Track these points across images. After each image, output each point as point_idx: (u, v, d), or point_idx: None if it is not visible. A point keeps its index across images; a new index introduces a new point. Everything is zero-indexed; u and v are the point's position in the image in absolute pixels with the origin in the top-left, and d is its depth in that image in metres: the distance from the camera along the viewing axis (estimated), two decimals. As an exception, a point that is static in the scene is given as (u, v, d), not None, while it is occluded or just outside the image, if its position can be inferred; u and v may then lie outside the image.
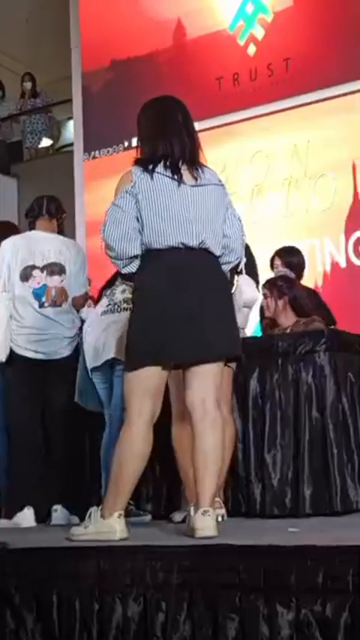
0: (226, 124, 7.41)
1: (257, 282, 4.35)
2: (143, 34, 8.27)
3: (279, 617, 2.20)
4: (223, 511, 3.50)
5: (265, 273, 4.99)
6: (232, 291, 3.76)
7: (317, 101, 7.19)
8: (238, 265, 3.63)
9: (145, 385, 2.95)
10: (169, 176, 2.98)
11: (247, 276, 3.91)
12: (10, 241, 4.22)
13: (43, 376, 4.13)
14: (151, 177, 2.96)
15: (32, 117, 10.25)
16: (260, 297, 4.54)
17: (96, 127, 8.69)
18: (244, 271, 3.78)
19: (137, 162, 3.04)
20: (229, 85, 7.66)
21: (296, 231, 7.12)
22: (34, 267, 4.17)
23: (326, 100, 7.16)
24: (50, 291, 4.16)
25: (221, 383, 3.12)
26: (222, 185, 3.12)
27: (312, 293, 5.07)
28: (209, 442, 2.95)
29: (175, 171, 2.98)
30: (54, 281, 4.17)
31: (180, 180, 2.98)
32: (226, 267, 3.14)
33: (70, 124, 9.85)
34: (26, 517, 3.93)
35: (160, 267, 2.96)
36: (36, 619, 2.52)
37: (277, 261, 5.06)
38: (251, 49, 7.66)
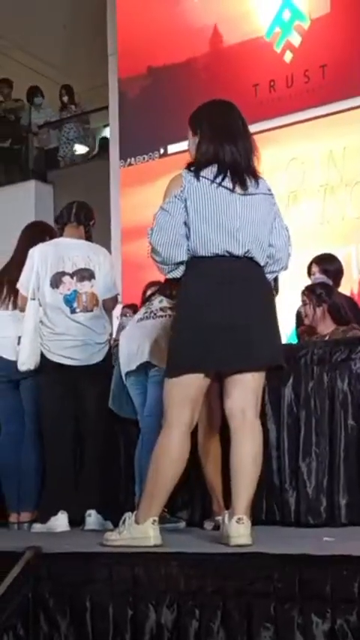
0: (262, 131, 7.35)
1: (276, 285, 4.19)
2: (180, 40, 8.31)
3: (314, 627, 2.19)
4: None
5: (301, 280, 4.97)
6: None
7: (354, 108, 7.16)
8: None
9: (185, 393, 2.94)
10: (218, 183, 2.95)
11: None
12: (38, 249, 4.23)
13: (75, 382, 4.14)
14: (201, 184, 2.94)
15: (66, 126, 10.34)
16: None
17: (132, 133, 8.73)
18: None
19: (188, 166, 3.02)
20: (266, 92, 7.66)
21: (332, 238, 7.08)
22: (64, 273, 4.18)
23: (363, 106, 7.13)
24: (81, 297, 4.16)
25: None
26: (271, 194, 3.08)
27: (350, 301, 5.03)
28: (247, 450, 2.94)
29: (225, 178, 2.96)
30: (84, 287, 4.18)
31: (229, 188, 2.95)
32: (270, 277, 3.12)
33: (107, 130, 9.91)
34: (60, 522, 3.94)
35: (205, 274, 2.95)
36: (69, 623, 2.53)
37: (315, 269, 5.02)
38: (288, 56, 7.65)
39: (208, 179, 2.95)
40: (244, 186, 2.98)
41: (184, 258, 2.97)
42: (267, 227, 3.02)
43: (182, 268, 3.00)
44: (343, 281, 5.31)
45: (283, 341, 5.48)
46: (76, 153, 10.41)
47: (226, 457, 3.18)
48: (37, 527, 4.02)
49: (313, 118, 7.42)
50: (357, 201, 7.12)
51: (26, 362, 4.12)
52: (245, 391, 2.97)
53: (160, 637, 2.38)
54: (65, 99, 10.51)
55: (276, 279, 3.87)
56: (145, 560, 2.54)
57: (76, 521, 4.03)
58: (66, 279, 4.17)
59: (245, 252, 2.96)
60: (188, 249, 2.96)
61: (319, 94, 7.35)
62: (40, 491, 4.17)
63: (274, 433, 3.93)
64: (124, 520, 2.96)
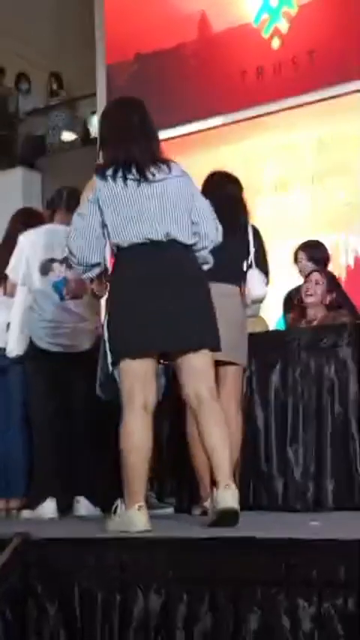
0: (249, 118, 7.38)
1: (267, 273, 4.20)
2: (168, 27, 8.26)
3: (300, 610, 2.19)
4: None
5: (292, 267, 4.99)
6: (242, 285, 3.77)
7: (342, 94, 7.15)
8: (247, 257, 3.66)
9: (131, 376, 3.00)
10: (128, 178, 3.04)
11: (257, 271, 3.87)
12: (27, 235, 4.22)
13: (64, 369, 4.14)
14: (111, 182, 3.04)
15: (53, 113, 10.29)
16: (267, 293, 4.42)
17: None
18: (254, 264, 3.77)
19: (97, 169, 3.12)
20: (253, 79, 7.62)
21: (320, 225, 7.08)
22: (53, 260, 4.17)
23: (351, 93, 7.12)
24: (70, 284, 4.16)
25: (217, 379, 3.16)
26: (186, 175, 3.17)
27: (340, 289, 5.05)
28: (215, 437, 3.00)
29: (131, 173, 3.05)
30: (74, 273, 4.17)
31: (138, 179, 3.05)
32: (204, 252, 3.18)
33: (95, 118, 9.86)
34: (49, 508, 3.95)
35: (131, 263, 3.03)
36: (58, 609, 2.53)
37: (301, 255, 5.02)
38: (275, 43, 7.63)
39: (117, 177, 3.05)
40: (151, 176, 3.06)
41: (99, 260, 3.09)
42: (186, 207, 3.10)
43: (97, 269, 3.13)
44: (331, 268, 5.32)
45: (272, 327, 5.51)
46: (64, 140, 10.35)
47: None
48: (26, 513, 4.02)
49: (301, 105, 7.39)
50: (346, 188, 7.12)
51: (15, 348, 4.12)
52: (194, 373, 3.04)
53: (147, 622, 2.38)
54: (54, 86, 10.47)
55: (267, 269, 3.88)
56: (133, 546, 2.55)
57: (65, 508, 4.03)
58: (56, 265, 4.17)
59: (166, 236, 3.03)
60: (112, 244, 3.05)
61: (308, 81, 7.32)
62: (29, 477, 4.17)
63: (262, 419, 3.95)
64: (116, 506, 2.98)
